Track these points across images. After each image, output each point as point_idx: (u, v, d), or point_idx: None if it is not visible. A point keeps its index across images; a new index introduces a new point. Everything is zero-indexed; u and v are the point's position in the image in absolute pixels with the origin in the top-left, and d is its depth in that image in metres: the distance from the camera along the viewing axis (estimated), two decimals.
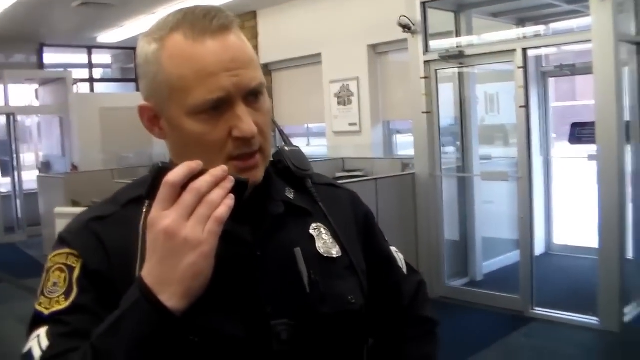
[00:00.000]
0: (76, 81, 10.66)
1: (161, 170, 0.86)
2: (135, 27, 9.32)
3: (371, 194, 5.22)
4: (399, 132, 7.69)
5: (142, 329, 0.82)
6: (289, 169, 1.11)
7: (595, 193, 4.64)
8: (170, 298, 0.82)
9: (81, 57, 11.35)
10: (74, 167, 9.28)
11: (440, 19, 5.69)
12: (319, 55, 7.76)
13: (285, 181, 1.11)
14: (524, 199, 5.06)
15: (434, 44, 5.53)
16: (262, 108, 0.98)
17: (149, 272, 0.84)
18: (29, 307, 0.97)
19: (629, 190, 4.95)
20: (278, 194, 1.07)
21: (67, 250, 0.97)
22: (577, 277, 5.88)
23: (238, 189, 0.87)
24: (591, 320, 4.63)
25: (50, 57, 10.99)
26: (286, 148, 1.14)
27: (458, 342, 4.38)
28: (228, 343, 0.94)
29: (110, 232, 0.98)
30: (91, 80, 11.54)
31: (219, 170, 0.86)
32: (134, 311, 0.83)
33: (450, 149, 6.16)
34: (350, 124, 7.56)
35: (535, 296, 5.00)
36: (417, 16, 5.42)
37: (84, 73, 11.37)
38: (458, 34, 5.81)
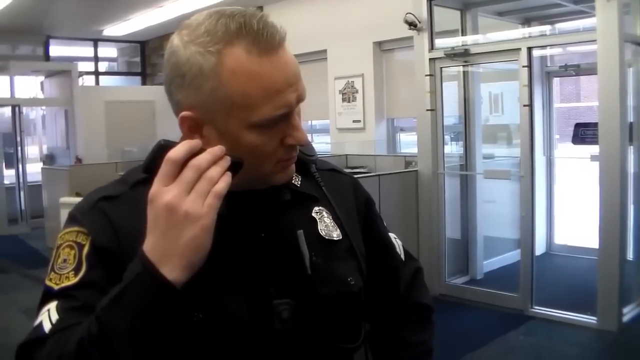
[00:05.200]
0: (82, 74, 10.71)
1: (162, 148, 0.89)
2: (141, 20, 9.31)
3: (374, 190, 5.21)
4: (402, 129, 7.71)
5: (145, 301, 0.85)
6: None
7: (596, 194, 4.63)
8: (172, 271, 0.85)
9: (87, 50, 11.40)
10: (78, 160, 9.30)
11: (446, 17, 5.69)
12: (324, 51, 7.77)
13: None
14: (526, 197, 5.07)
15: (439, 41, 5.52)
16: (300, 112, 1.00)
17: (151, 247, 0.87)
18: (31, 298, 0.99)
19: (631, 191, 4.96)
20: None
21: (76, 228, 0.99)
22: (577, 277, 5.90)
23: (233, 168, 0.91)
24: (590, 319, 4.65)
25: (56, 49, 11.04)
26: None
27: (457, 340, 4.40)
28: (231, 321, 0.97)
29: (119, 211, 1.00)
30: (97, 73, 11.58)
31: (218, 149, 0.90)
32: (137, 284, 0.86)
33: (454, 147, 6.16)
34: (355, 121, 7.58)
35: (534, 295, 5.02)
36: (424, 13, 5.43)
37: (89, 66, 11.42)
38: (463, 32, 5.81)
